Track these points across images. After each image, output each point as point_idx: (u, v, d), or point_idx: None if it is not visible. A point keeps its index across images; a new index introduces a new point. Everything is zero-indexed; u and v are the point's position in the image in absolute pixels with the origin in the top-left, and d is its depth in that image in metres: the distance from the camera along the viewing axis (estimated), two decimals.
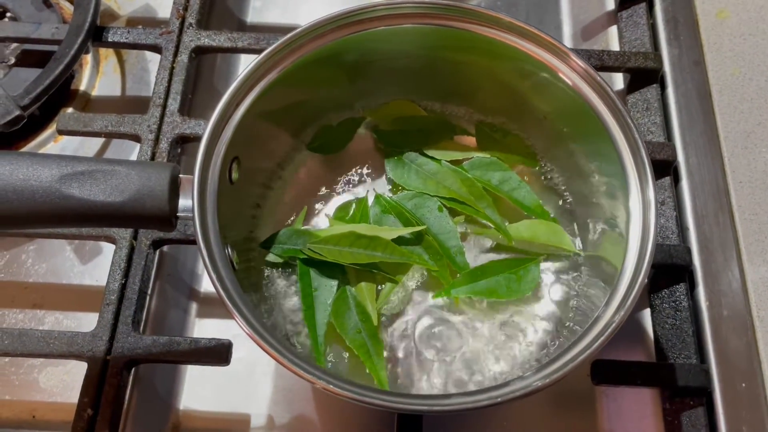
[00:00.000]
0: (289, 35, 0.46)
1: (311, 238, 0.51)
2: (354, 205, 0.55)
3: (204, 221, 0.41)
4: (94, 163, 0.41)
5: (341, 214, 0.54)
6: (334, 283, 0.50)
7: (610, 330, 0.38)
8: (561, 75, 0.47)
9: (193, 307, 0.59)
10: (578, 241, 0.52)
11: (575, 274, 0.51)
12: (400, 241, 0.51)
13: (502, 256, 0.52)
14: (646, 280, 0.40)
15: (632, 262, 0.41)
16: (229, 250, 0.44)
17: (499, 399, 0.37)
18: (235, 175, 0.47)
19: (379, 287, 0.51)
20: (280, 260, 0.52)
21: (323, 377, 0.38)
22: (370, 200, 0.55)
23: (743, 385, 0.52)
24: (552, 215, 0.53)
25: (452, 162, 0.56)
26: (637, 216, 0.42)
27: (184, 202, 0.42)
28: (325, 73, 0.51)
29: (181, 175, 0.43)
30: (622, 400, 0.55)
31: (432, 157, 0.56)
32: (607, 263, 0.45)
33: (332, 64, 0.50)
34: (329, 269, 0.50)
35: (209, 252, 0.40)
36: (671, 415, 0.52)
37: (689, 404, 0.51)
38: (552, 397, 0.56)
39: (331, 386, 0.37)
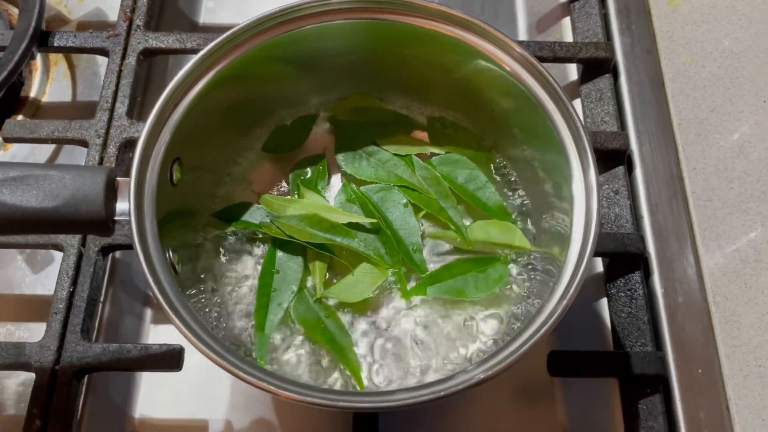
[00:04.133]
0: (224, 35, 0.45)
1: (273, 213, 0.52)
2: (310, 171, 0.55)
3: (141, 225, 0.41)
4: (27, 168, 0.40)
5: (298, 171, 0.55)
6: (294, 288, 0.50)
7: (552, 320, 0.38)
8: (503, 65, 0.47)
9: (148, 313, 0.58)
10: (532, 237, 0.52)
11: (530, 269, 0.51)
12: (357, 229, 0.51)
13: (457, 256, 0.52)
14: (587, 270, 0.39)
15: (576, 250, 0.41)
16: (170, 253, 0.43)
17: (442, 393, 0.37)
18: (177, 177, 0.46)
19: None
20: (233, 229, 0.52)
21: (265, 378, 0.37)
22: (336, 188, 0.55)
23: (699, 371, 0.52)
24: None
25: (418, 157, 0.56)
26: (580, 203, 0.42)
27: (122, 205, 0.41)
28: (270, 71, 0.50)
29: (118, 179, 0.42)
30: (583, 389, 0.55)
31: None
32: (558, 257, 0.45)
33: (274, 61, 0.49)
34: (292, 270, 0.50)
35: (146, 256, 0.40)
36: (629, 403, 0.51)
37: (646, 392, 0.51)
38: (513, 389, 0.56)
39: (272, 387, 0.36)
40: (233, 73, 0.47)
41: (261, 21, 0.46)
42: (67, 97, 0.68)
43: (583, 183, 0.42)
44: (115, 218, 0.41)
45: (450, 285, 0.50)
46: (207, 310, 0.48)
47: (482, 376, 0.36)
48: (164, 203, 0.43)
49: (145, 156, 0.43)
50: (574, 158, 0.43)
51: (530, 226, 0.52)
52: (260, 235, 0.52)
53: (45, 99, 0.68)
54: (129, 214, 0.41)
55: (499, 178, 0.55)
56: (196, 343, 0.38)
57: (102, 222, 0.40)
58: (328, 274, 0.51)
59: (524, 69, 0.46)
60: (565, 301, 0.38)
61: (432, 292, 0.50)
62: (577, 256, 0.40)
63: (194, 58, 0.44)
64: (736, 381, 0.51)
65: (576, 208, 0.42)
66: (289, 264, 0.50)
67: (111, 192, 0.41)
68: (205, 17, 0.73)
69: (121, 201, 0.41)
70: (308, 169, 0.56)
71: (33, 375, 0.51)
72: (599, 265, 0.58)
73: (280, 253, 0.50)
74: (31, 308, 0.58)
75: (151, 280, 0.39)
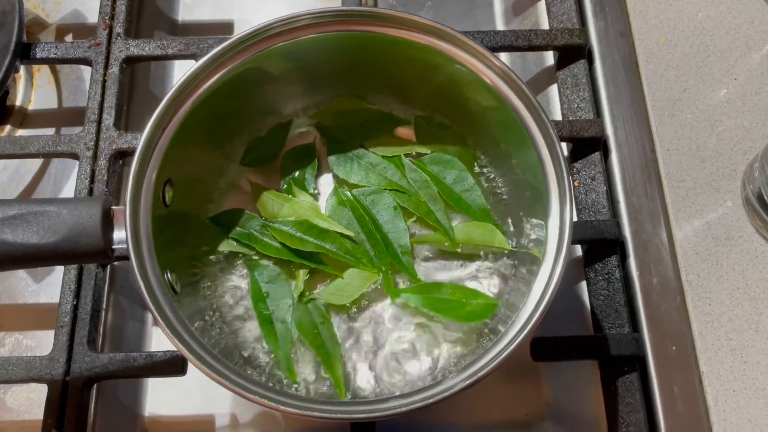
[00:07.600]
0: (205, 57, 0.46)
1: (266, 219, 0.54)
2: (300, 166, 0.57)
3: (139, 251, 0.43)
4: (26, 205, 0.42)
5: (288, 162, 0.57)
6: (290, 301, 0.52)
7: (523, 335, 0.40)
8: (480, 74, 0.48)
9: (149, 317, 0.61)
10: (513, 236, 0.54)
11: (512, 268, 0.53)
12: (345, 235, 0.53)
13: (442, 259, 0.54)
14: (560, 279, 0.42)
15: (550, 261, 0.43)
16: (169, 274, 0.45)
17: (431, 399, 0.40)
18: (169, 197, 0.48)
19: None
20: (232, 248, 0.54)
21: (266, 394, 0.40)
22: (328, 186, 0.57)
23: (674, 348, 0.55)
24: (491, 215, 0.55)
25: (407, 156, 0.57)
26: (554, 233, 0.44)
27: (119, 234, 0.43)
28: (250, 87, 0.51)
29: (113, 207, 0.44)
30: (566, 369, 0.58)
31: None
32: (534, 260, 0.47)
33: (254, 78, 0.50)
34: (282, 288, 0.52)
35: (146, 281, 0.42)
36: (608, 381, 0.55)
37: (624, 371, 0.54)
38: (502, 370, 0.59)
39: (264, 400, 0.39)
40: (214, 93, 0.48)
41: (234, 44, 0.47)
42: (53, 103, 0.69)
43: (558, 215, 0.44)
44: (114, 247, 0.43)
45: (431, 299, 0.51)
46: (212, 332, 0.50)
47: (464, 384, 0.39)
48: (159, 225, 0.45)
49: (138, 182, 0.44)
50: (549, 168, 0.45)
51: (511, 228, 0.54)
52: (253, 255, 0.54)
53: (31, 107, 0.69)
54: (126, 242, 0.42)
55: (481, 176, 0.56)
56: (198, 365, 0.40)
57: (101, 252, 0.42)
58: (313, 279, 0.53)
59: (500, 78, 0.47)
60: (540, 309, 0.41)
61: (414, 302, 0.51)
62: (550, 268, 0.43)
63: (177, 84, 0.46)
64: (708, 355, 0.54)
65: (549, 239, 0.44)
66: (275, 286, 0.52)
67: (107, 222, 0.43)
68: (183, 14, 0.74)
69: (117, 230, 0.43)
70: (299, 165, 0.57)
71: (45, 385, 0.54)
72: (578, 250, 0.60)
73: (263, 282, 0.52)
74: (37, 317, 0.61)
75: (151, 305, 0.41)
